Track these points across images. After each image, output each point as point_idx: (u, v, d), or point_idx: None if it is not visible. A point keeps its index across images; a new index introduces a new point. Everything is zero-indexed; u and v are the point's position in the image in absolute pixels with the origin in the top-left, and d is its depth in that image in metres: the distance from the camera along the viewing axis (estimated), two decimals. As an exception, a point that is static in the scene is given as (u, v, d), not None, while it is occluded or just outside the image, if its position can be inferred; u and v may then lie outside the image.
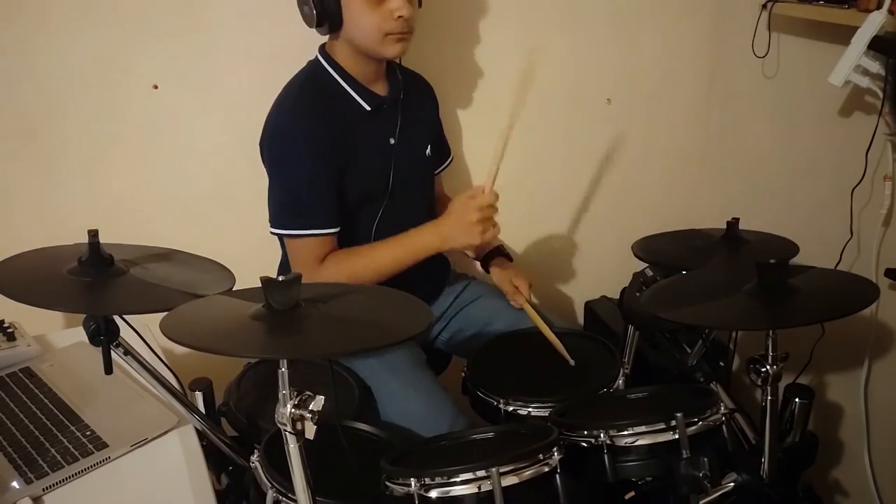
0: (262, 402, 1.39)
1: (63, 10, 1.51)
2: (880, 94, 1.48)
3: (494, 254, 1.69)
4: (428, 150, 1.63)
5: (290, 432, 0.91)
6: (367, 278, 1.42)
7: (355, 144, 1.46)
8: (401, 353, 1.50)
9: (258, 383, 1.45)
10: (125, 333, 1.12)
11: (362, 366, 1.49)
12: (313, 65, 1.51)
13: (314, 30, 1.45)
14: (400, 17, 1.38)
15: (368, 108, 1.49)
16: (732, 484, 1.22)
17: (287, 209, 1.44)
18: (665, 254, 1.51)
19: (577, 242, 2.08)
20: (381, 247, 1.47)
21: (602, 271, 2.12)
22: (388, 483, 1.08)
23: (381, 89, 1.52)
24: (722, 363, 1.62)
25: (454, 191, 1.85)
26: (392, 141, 1.53)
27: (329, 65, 1.48)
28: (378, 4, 1.38)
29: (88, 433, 1.15)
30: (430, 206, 1.67)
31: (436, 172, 1.73)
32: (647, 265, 1.52)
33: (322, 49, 1.51)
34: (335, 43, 1.48)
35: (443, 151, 1.75)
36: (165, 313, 0.94)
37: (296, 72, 1.51)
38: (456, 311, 1.70)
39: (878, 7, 1.42)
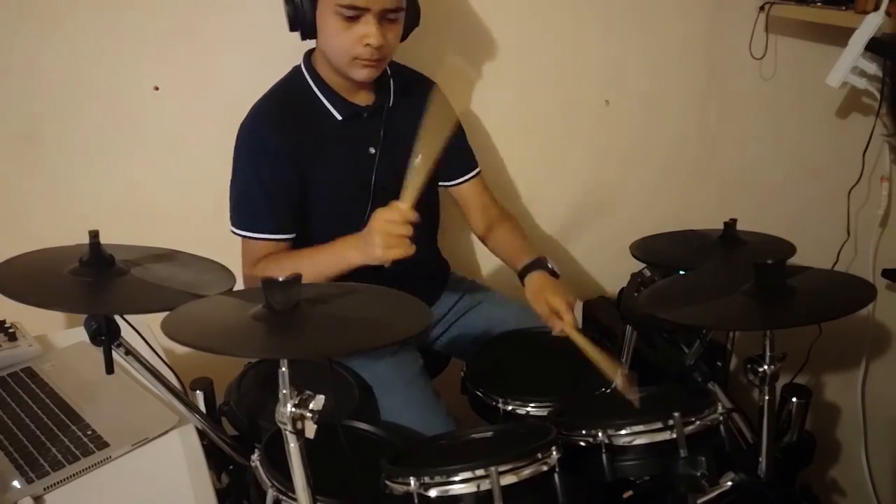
0: (263, 402, 1.39)
1: (64, 13, 1.52)
2: (877, 95, 1.49)
3: (531, 267, 1.49)
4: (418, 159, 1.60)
5: (290, 432, 0.92)
6: None
7: (325, 154, 1.44)
8: (397, 366, 1.48)
9: (259, 383, 1.46)
10: (126, 333, 1.12)
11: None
12: (293, 71, 1.49)
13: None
14: (368, 44, 1.35)
15: (339, 118, 1.46)
16: (730, 483, 1.22)
17: (237, 209, 1.45)
18: (663, 254, 1.52)
19: (575, 243, 2.09)
20: (304, 254, 1.41)
21: (600, 272, 2.13)
22: (387, 482, 1.08)
23: (362, 98, 1.49)
24: (720, 363, 1.62)
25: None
26: (372, 150, 1.49)
27: (308, 71, 1.47)
28: (349, 27, 1.34)
29: (89, 432, 1.15)
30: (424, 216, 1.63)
31: (455, 183, 1.64)
32: (644, 265, 1.52)
33: (306, 55, 1.49)
34: (317, 50, 1.47)
35: (461, 165, 1.64)
36: (166, 313, 0.94)
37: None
38: (456, 317, 1.67)
39: (876, 9, 1.42)
